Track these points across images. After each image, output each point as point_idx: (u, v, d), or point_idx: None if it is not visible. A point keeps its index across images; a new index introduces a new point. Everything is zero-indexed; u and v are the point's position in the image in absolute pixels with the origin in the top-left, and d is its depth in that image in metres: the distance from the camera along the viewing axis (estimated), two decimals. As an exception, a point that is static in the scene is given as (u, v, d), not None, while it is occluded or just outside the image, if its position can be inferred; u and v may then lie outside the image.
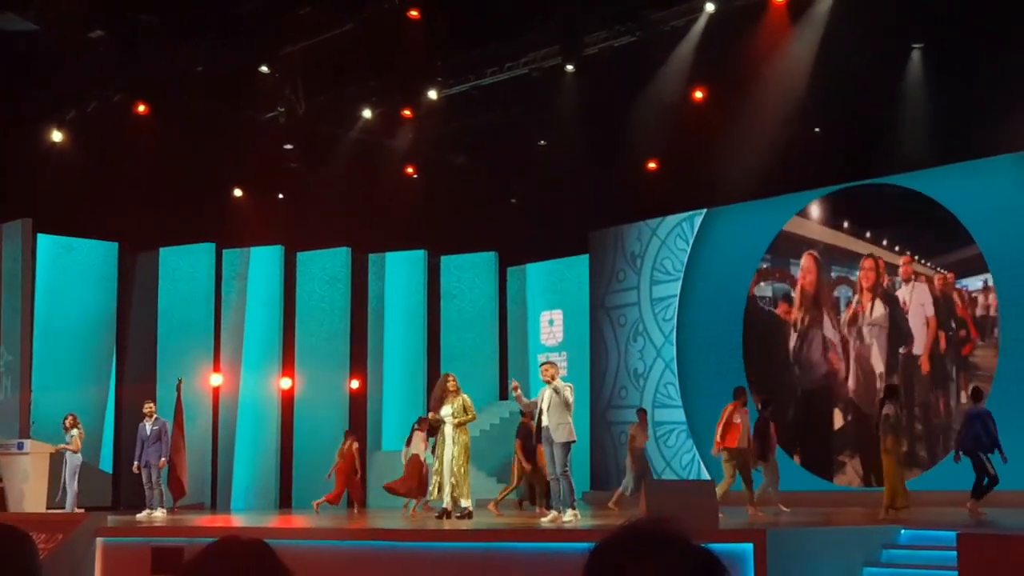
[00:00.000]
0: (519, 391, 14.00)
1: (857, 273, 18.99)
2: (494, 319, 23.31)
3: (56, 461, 17.24)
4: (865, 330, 18.87)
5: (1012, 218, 17.07)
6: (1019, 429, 14.96)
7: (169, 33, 18.53)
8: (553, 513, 13.24)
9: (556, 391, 13.10)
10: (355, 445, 18.93)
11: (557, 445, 13.04)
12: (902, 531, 11.47)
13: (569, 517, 13.06)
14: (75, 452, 17.33)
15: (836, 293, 19.43)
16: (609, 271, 22.36)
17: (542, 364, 13.90)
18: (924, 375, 18.11)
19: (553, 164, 20.95)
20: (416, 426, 17.31)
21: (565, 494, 13.21)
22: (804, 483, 18.37)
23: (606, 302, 22.38)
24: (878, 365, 18.67)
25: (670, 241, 21.34)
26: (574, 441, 13.23)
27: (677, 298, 21.16)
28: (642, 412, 18.95)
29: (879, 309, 18.76)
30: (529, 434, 16.34)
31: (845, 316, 19.17)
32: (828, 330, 19.35)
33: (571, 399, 13.21)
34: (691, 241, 21.01)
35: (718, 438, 15.08)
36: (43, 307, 21.08)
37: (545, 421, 13.13)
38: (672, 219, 21.34)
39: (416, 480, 16.98)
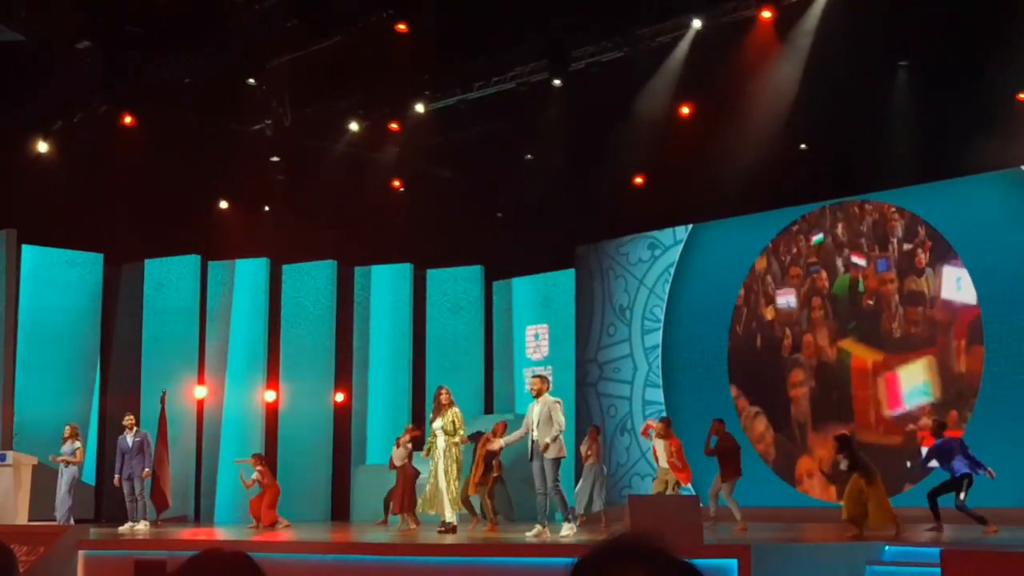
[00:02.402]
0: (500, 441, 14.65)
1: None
2: (480, 333, 23.24)
3: (39, 473, 17.10)
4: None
5: (998, 235, 17.12)
6: (1003, 448, 14.97)
7: (156, 45, 18.50)
8: (538, 527, 13.20)
9: (547, 406, 13.09)
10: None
11: (547, 460, 13.02)
12: (886, 548, 11.46)
13: (566, 531, 13.13)
14: (76, 464, 17.15)
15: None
16: (599, 327, 22.35)
17: (532, 376, 13.85)
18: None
19: (540, 178, 20.95)
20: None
21: (557, 508, 13.24)
22: (784, 499, 18.39)
23: (599, 357, 22.34)
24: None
25: (658, 288, 21.37)
26: (564, 456, 13.22)
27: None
28: (593, 429, 19.02)
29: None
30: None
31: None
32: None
33: (563, 420, 13.19)
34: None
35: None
36: (27, 318, 20.98)
37: (535, 436, 13.11)
38: (659, 266, 21.34)
39: (400, 493, 16.91)
